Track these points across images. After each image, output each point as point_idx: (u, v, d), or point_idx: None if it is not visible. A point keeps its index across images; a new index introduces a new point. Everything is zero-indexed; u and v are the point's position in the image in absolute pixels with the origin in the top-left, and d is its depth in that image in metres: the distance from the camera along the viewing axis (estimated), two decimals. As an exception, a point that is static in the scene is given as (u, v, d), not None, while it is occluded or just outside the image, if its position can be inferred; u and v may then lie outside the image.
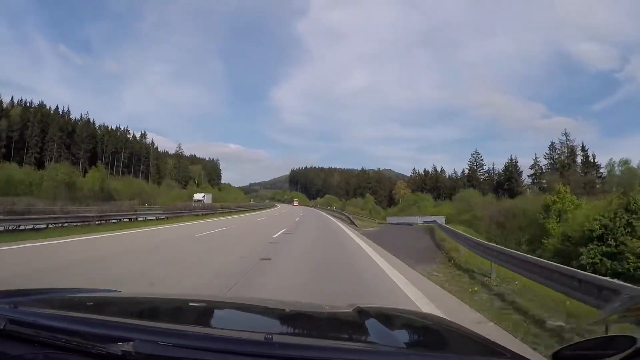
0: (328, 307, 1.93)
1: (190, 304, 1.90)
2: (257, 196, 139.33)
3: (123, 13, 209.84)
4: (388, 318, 1.57)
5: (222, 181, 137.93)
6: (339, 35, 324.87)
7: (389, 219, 53.58)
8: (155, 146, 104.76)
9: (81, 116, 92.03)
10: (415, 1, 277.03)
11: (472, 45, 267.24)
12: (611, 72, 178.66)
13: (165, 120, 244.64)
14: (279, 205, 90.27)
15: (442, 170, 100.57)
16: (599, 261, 20.89)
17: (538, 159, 71.23)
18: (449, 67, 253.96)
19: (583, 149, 66.97)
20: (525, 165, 78.01)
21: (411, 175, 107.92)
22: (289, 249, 11.14)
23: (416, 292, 5.88)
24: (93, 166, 54.93)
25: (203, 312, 1.73)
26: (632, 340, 0.85)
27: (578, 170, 65.43)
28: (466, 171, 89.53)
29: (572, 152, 67.35)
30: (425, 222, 42.03)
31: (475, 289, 6.48)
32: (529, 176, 72.19)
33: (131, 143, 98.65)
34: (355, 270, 8.10)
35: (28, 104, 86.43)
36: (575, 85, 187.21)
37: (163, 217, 25.66)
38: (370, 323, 1.30)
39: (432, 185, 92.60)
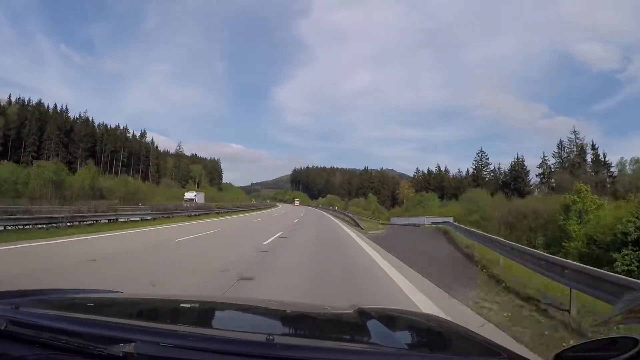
0: (329, 308, 1.88)
1: (191, 304, 1.89)
2: (258, 196, 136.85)
3: (125, 13, 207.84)
4: (389, 319, 1.55)
5: (224, 181, 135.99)
6: (342, 35, 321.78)
7: (393, 220, 51.03)
8: (155, 145, 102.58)
9: (80, 115, 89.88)
10: (417, 2, 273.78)
11: (474, 45, 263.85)
12: (613, 72, 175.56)
13: (167, 120, 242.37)
14: (280, 205, 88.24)
15: (446, 170, 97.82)
16: (635, 268, 18.34)
17: (546, 158, 68.47)
18: (451, 68, 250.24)
19: (593, 147, 64.17)
20: (529, 164, 75.72)
21: (414, 175, 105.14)
22: (281, 262, 8.68)
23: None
24: (84, 164, 52.56)
25: (204, 313, 1.71)
26: (635, 341, 0.83)
27: (588, 169, 62.75)
28: (471, 170, 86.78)
29: (582, 150, 64.52)
30: (433, 223, 39.58)
31: (564, 343, 3.97)
32: (537, 175, 69.44)
33: (130, 142, 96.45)
34: (369, 296, 5.63)
35: (26, 102, 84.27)
36: (578, 85, 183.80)
37: (150, 218, 23.27)
38: (372, 324, 1.29)
39: (437, 185, 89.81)
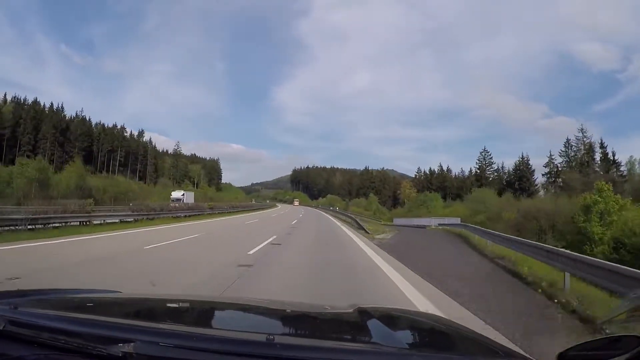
0: (329, 308, 1.85)
1: (191, 304, 1.88)
2: (258, 196, 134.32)
3: (125, 13, 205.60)
4: (390, 318, 1.55)
5: (224, 181, 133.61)
6: (342, 35, 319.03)
7: (396, 221, 48.47)
8: (153, 145, 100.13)
9: (76, 114, 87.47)
10: (417, 2, 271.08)
11: (475, 45, 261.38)
12: (614, 72, 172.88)
13: (167, 120, 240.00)
14: (280, 206, 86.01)
15: (449, 169, 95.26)
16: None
17: (553, 157, 65.82)
18: (451, 68, 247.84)
19: (602, 145, 61.51)
20: (532, 164, 73.11)
21: (416, 175, 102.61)
22: (264, 285, 6.16)
23: None
24: (71, 161, 50.02)
25: (204, 313, 1.69)
26: (638, 340, 0.83)
27: (597, 168, 60.20)
28: (474, 170, 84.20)
29: (590, 149, 61.87)
30: (440, 224, 37.07)
31: None
32: (543, 175, 66.74)
33: (128, 141, 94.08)
34: None
35: (22, 101, 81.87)
36: (578, 85, 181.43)
37: (131, 219, 20.78)
38: (372, 323, 1.28)
39: (439, 185, 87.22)
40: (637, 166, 57.51)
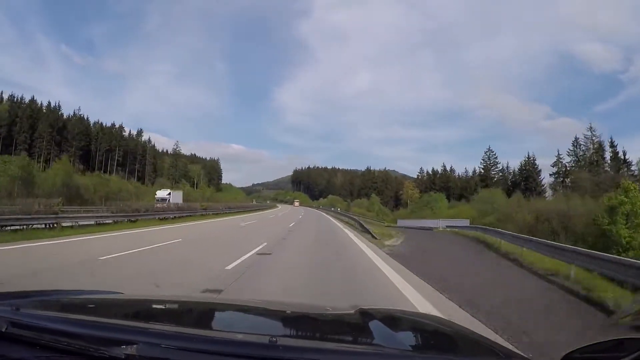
0: (330, 309, 1.87)
1: (193, 305, 1.87)
2: (259, 197, 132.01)
3: (126, 13, 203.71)
4: (391, 320, 1.52)
5: (225, 181, 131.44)
6: (342, 35, 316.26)
7: (401, 222, 46.07)
8: (152, 144, 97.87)
9: (74, 112, 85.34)
10: (417, 2, 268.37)
11: (475, 46, 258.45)
12: (616, 72, 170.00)
13: (168, 120, 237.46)
14: (280, 206, 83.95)
15: (452, 169, 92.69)
16: None
17: (561, 156, 63.26)
18: (452, 68, 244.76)
19: (612, 144, 58.94)
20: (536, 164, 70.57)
21: (418, 175, 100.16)
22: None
23: None
24: (57, 158, 47.77)
25: (206, 314, 1.65)
26: None
27: (607, 167, 57.74)
28: (478, 170, 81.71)
29: (600, 148, 59.32)
30: (449, 226, 34.64)
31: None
32: (551, 175, 64.15)
33: (126, 141, 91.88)
34: None
35: (18, 99, 79.85)
36: (581, 86, 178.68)
37: (110, 221, 18.50)
38: (374, 325, 1.28)
39: (442, 185, 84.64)
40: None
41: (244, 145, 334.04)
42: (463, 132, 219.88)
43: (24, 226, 13.90)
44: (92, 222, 17.34)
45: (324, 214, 50.69)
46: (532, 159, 71.66)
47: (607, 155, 59.44)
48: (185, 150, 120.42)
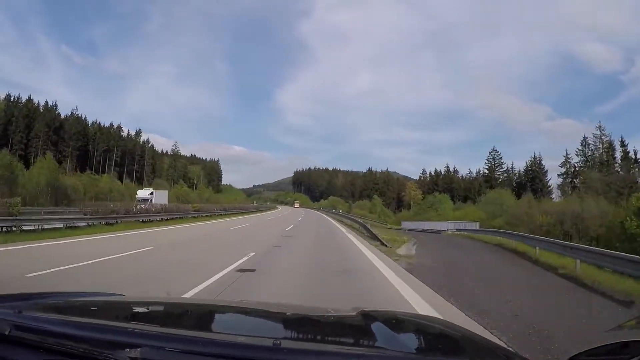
0: (333, 311, 1.84)
1: (197, 308, 1.85)
2: (260, 198, 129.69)
3: (127, 14, 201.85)
4: (393, 322, 1.47)
5: (225, 182, 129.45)
6: (343, 36, 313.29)
7: (405, 225, 43.74)
8: (150, 145, 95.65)
9: (71, 112, 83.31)
10: (418, 3, 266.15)
11: (477, 47, 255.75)
12: (617, 73, 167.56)
13: (169, 121, 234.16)
14: (280, 207, 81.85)
15: (455, 170, 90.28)
16: None
17: (569, 156, 60.85)
18: (453, 69, 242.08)
19: (622, 143, 56.54)
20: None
21: (421, 176, 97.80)
22: None
23: None
24: (42, 156, 45.57)
25: (209, 317, 1.63)
26: None
27: (617, 167, 55.34)
28: (482, 171, 79.35)
29: (610, 147, 56.92)
30: (458, 229, 32.32)
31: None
32: (559, 175, 61.72)
33: (124, 141, 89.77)
34: None
35: (14, 99, 77.87)
36: (582, 87, 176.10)
37: (83, 224, 16.28)
38: (376, 327, 1.27)
39: (445, 186, 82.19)
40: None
41: (245, 146, 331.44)
42: (464, 133, 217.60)
43: (-29, 231, 11.74)
44: (60, 226, 15.09)
45: (325, 215, 48.34)
46: (538, 159, 69.37)
47: (618, 154, 57.11)
48: (187, 151, 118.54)
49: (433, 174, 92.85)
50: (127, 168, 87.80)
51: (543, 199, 46.08)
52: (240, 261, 8.20)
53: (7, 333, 0.95)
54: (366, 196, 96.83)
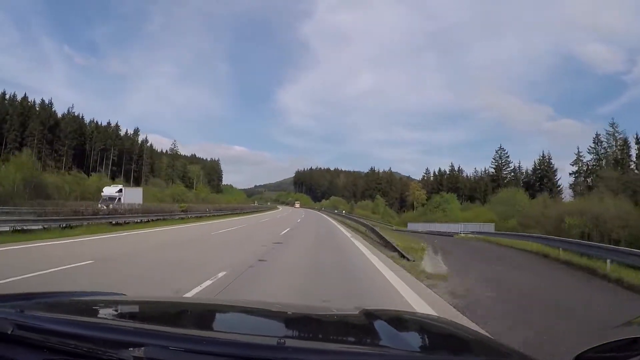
0: (336, 310, 1.88)
1: (199, 307, 1.84)
2: (261, 198, 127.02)
3: (128, 15, 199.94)
4: (396, 321, 1.47)
5: (226, 182, 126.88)
6: (345, 37, 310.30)
7: (411, 226, 40.89)
8: (149, 144, 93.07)
9: (68, 110, 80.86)
10: (420, 3, 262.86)
11: (478, 48, 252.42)
12: (619, 74, 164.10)
13: (170, 122, 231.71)
14: (281, 208, 79.38)
15: (460, 170, 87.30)
16: None
17: (581, 154, 57.79)
18: (455, 70, 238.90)
19: (637, 141, 53.44)
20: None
21: (424, 176, 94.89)
22: None
23: None
24: (17, 152, 42.93)
25: (212, 316, 1.62)
26: None
27: (631, 165, 52.30)
28: (488, 170, 76.37)
29: (624, 145, 53.84)
30: (472, 232, 29.41)
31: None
32: (571, 174, 58.68)
33: (122, 140, 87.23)
34: None
35: (9, 97, 75.47)
36: (583, 87, 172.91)
37: (38, 227, 13.51)
38: (380, 326, 1.25)
39: (450, 186, 79.21)
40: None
41: (246, 146, 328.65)
42: (465, 133, 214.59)
43: None
44: (6, 229, 12.33)
45: (325, 216, 45.48)
46: (547, 158, 66.40)
47: (633, 152, 54.02)
48: (187, 151, 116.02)
49: (437, 173, 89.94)
50: (125, 167, 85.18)
51: (554, 198, 43.04)
52: (198, 288, 5.40)
53: (9, 332, 0.93)
54: (368, 196, 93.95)
